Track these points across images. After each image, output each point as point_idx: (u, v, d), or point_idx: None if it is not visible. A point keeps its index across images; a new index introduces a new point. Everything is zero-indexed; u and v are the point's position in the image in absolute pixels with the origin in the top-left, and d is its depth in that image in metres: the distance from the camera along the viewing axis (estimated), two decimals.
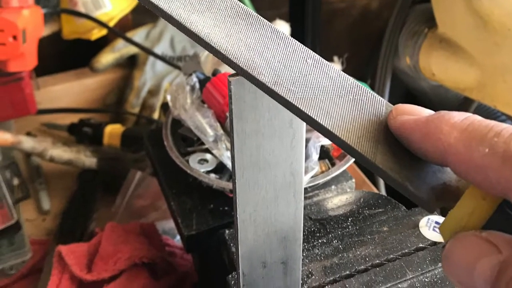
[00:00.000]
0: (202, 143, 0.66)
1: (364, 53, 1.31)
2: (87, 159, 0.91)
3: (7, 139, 0.89)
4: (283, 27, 1.00)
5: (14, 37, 0.83)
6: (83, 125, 0.99)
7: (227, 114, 0.65)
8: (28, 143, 0.90)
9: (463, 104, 1.15)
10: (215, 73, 0.72)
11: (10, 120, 0.99)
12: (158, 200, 0.88)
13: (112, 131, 0.97)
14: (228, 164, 0.63)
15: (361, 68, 1.32)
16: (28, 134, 1.02)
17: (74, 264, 0.69)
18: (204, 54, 0.78)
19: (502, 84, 0.87)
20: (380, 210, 0.55)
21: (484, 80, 0.90)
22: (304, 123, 0.37)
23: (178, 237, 0.87)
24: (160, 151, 0.70)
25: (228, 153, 0.63)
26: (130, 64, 1.08)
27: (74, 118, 1.03)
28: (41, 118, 1.04)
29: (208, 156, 0.65)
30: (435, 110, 0.29)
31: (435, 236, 0.50)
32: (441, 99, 1.18)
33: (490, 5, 0.79)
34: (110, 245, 0.72)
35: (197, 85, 0.70)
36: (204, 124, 0.65)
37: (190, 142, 0.67)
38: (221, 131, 0.64)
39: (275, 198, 0.41)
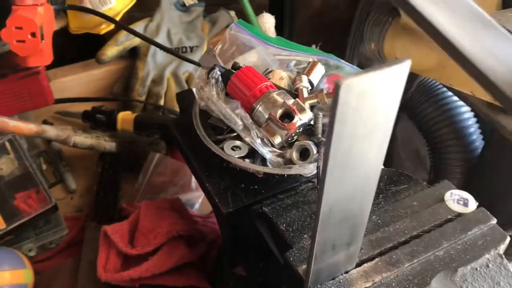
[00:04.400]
0: (231, 131, 0.62)
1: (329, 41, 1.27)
2: (107, 143, 0.85)
3: (32, 128, 0.82)
4: (269, 19, 0.95)
5: (33, 34, 0.75)
6: (96, 112, 0.93)
7: (254, 105, 0.61)
8: (52, 131, 0.83)
9: (408, 80, 1.14)
10: (234, 66, 0.67)
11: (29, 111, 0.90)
12: (175, 177, 0.84)
13: (125, 117, 0.91)
14: (260, 150, 0.59)
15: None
16: (45, 122, 0.94)
17: (120, 241, 0.65)
18: (218, 47, 0.73)
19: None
20: (404, 186, 0.53)
21: (443, 63, 0.89)
22: (391, 127, 0.34)
23: (196, 206, 0.84)
24: (189, 139, 0.66)
25: (259, 140, 0.59)
26: (132, 55, 1.01)
27: (84, 106, 0.96)
28: (54, 107, 0.96)
29: (238, 143, 0.61)
30: None
31: (460, 208, 0.49)
32: None
33: None
34: (148, 222, 0.68)
35: (220, 78, 0.65)
36: (233, 115, 0.61)
37: (219, 130, 0.63)
38: (250, 120, 0.60)
39: (353, 194, 0.38)
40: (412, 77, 1.14)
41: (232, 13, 1.10)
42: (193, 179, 0.84)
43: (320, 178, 0.49)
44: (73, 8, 0.91)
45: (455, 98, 1.02)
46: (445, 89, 1.09)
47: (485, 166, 1.03)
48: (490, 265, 0.46)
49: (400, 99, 0.35)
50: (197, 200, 0.83)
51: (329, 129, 0.32)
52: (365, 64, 1.15)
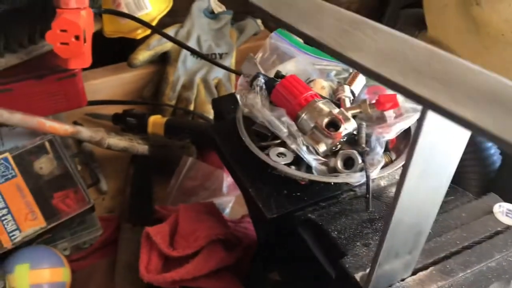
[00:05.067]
0: (275, 138, 0.63)
1: None
2: (140, 146, 0.85)
3: (67, 129, 0.82)
4: None
5: (76, 37, 0.75)
6: (127, 115, 0.93)
7: (299, 113, 0.62)
8: (86, 133, 0.83)
9: None
10: (278, 74, 0.68)
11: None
12: (206, 181, 0.84)
13: (156, 121, 0.91)
14: (305, 157, 0.59)
15: None
16: (75, 123, 0.94)
17: (161, 243, 0.65)
18: (259, 56, 0.74)
19: None
20: (451, 197, 0.54)
21: None
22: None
23: (226, 211, 0.84)
24: (230, 144, 0.66)
25: (305, 148, 0.60)
26: (162, 60, 1.01)
27: (114, 109, 0.96)
28: (84, 108, 0.96)
29: (282, 149, 0.62)
30: None
31: (509, 220, 0.50)
32: None
33: (490, 12, 0.77)
34: (188, 225, 0.68)
35: (264, 86, 0.65)
36: (278, 122, 0.61)
37: (263, 137, 0.64)
38: (295, 128, 0.61)
39: (423, 202, 0.38)
40: None
41: (259, 21, 1.10)
42: (225, 184, 0.85)
43: (368, 185, 0.50)
44: (111, 12, 0.92)
45: None
46: None
47: (503, 180, 1.04)
48: None
49: None
50: (227, 204, 0.84)
51: (412, 140, 0.33)
52: None
